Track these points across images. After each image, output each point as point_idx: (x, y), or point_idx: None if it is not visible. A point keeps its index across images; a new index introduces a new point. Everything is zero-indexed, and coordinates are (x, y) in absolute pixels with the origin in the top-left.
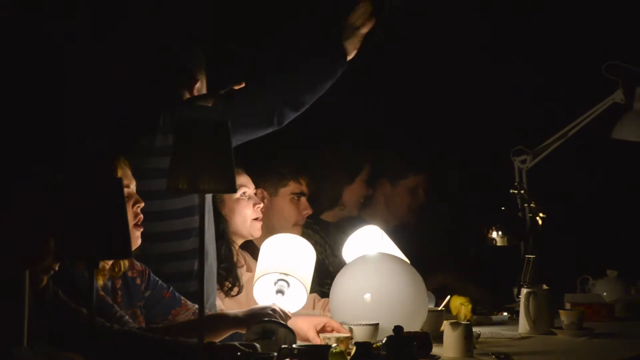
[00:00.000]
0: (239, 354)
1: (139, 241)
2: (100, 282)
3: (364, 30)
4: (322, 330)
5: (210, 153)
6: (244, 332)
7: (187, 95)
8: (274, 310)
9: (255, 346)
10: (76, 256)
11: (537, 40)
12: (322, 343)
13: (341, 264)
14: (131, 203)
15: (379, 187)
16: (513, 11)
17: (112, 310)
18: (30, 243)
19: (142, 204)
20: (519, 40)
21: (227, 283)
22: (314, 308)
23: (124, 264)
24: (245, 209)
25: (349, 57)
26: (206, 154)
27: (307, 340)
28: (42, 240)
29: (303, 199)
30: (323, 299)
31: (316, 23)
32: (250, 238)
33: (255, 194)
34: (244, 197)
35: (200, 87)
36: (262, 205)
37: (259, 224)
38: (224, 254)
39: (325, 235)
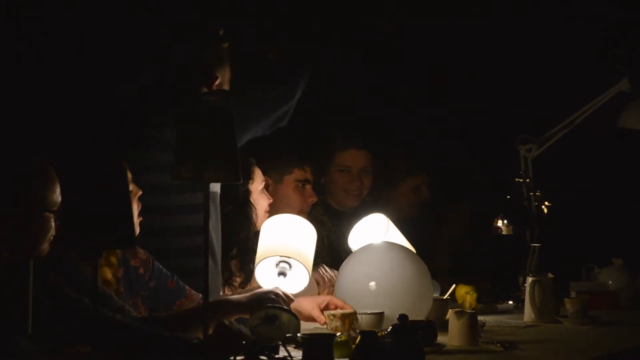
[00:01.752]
0: (244, 342)
1: (138, 229)
2: (109, 275)
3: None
4: (326, 308)
5: (215, 142)
6: (247, 317)
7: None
8: (277, 294)
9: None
10: (80, 247)
11: (543, 28)
12: (327, 320)
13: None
14: (136, 195)
15: (382, 193)
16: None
17: (111, 300)
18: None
19: (140, 192)
20: (524, 29)
21: (236, 278)
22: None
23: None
24: (265, 202)
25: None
26: (210, 143)
27: (312, 319)
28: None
29: (308, 187)
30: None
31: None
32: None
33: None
34: (263, 193)
35: (221, 83)
36: (271, 200)
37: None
38: (252, 244)
39: (337, 223)
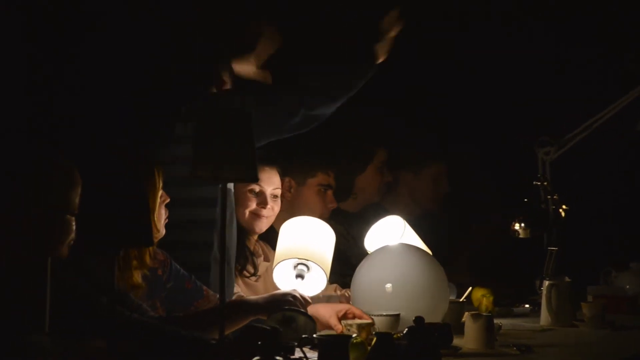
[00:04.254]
0: (259, 342)
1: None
2: (138, 279)
3: (393, 33)
4: (344, 317)
5: (233, 142)
6: (264, 318)
7: (214, 91)
8: (294, 297)
9: (277, 330)
10: (98, 245)
11: (563, 31)
12: (344, 330)
13: (363, 255)
14: (164, 202)
15: (401, 177)
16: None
17: (129, 299)
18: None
19: (168, 200)
20: (544, 30)
21: (237, 266)
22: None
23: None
24: (249, 202)
25: (380, 61)
26: (228, 143)
27: (329, 327)
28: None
29: (329, 192)
30: (344, 289)
31: (346, 26)
32: (253, 232)
33: (283, 182)
34: (250, 193)
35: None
36: (268, 206)
37: (260, 221)
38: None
39: (347, 225)
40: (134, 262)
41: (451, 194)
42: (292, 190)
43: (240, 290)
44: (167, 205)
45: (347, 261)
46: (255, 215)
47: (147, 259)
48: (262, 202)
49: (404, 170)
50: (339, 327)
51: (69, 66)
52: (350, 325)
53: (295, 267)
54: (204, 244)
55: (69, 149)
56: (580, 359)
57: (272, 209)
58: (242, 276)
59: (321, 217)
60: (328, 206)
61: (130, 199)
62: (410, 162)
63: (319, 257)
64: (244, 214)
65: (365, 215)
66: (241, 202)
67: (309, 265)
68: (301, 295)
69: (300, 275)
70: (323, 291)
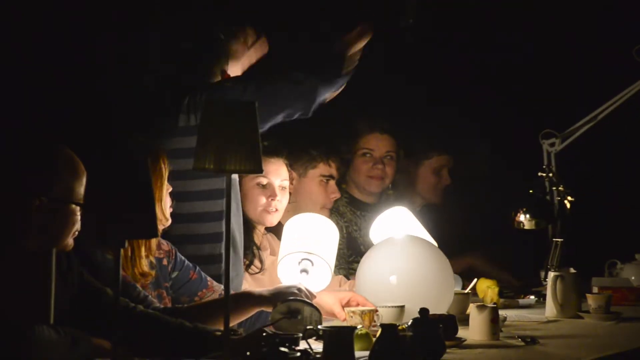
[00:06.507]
0: (264, 334)
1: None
2: (146, 267)
3: (360, 46)
4: (347, 304)
5: (237, 133)
6: (269, 310)
7: (219, 79)
8: (299, 289)
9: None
10: (103, 237)
11: (568, 22)
12: (347, 317)
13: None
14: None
15: (404, 167)
16: None
17: (135, 290)
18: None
19: (171, 189)
20: (548, 22)
21: (244, 261)
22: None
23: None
24: (259, 196)
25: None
26: (233, 135)
27: (333, 314)
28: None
29: (332, 182)
30: (349, 281)
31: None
32: (265, 225)
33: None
34: (258, 187)
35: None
36: (277, 198)
37: (271, 215)
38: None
39: (362, 214)
40: (142, 250)
41: (455, 185)
42: (293, 182)
43: (247, 285)
44: (174, 198)
45: (356, 248)
46: (266, 210)
47: (153, 246)
48: (271, 195)
49: (406, 159)
50: (342, 315)
51: (73, 58)
52: (354, 312)
53: (299, 262)
54: (213, 236)
55: (73, 140)
56: (586, 351)
57: (281, 201)
58: (250, 272)
59: (324, 207)
60: (330, 196)
61: (135, 189)
62: (412, 151)
63: (323, 252)
64: (255, 209)
65: (379, 206)
66: (250, 198)
67: (313, 260)
68: (306, 289)
69: (304, 270)
70: (329, 286)
